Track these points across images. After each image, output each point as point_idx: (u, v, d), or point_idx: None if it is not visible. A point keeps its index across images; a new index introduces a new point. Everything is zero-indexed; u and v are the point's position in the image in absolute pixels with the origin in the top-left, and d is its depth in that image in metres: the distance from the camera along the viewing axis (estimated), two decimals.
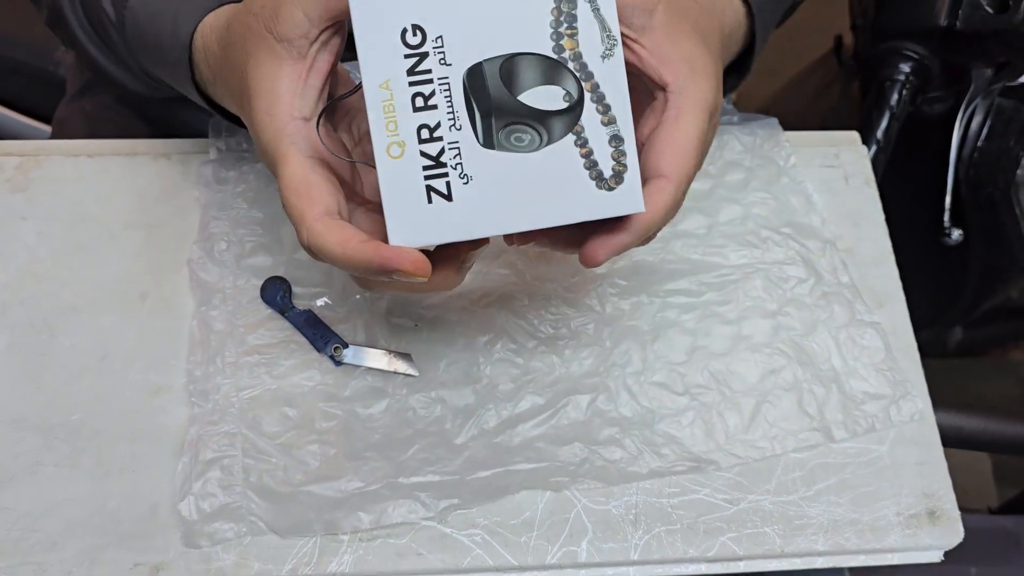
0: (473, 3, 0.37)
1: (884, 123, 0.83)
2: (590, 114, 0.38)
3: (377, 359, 0.55)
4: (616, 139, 0.38)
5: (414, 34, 0.37)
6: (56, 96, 0.96)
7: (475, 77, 0.37)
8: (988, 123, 0.96)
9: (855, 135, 0.67)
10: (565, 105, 0.37)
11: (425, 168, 0.37)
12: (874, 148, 0.83)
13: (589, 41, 0.37)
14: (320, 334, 0.55)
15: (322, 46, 0.40)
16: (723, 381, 0.56)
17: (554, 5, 0.37)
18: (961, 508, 0.54)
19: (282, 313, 0.56)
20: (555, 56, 0.37)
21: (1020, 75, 0.89)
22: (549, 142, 0.38)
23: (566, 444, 0.53)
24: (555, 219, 0.38)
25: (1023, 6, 0.82)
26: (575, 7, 0.37)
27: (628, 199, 0.38)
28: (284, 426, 0.53)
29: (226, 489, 0.50)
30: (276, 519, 0.50)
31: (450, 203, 0.37)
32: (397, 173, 0.37)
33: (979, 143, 0.97)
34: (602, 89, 0.38)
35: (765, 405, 0.56)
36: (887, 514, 0.53)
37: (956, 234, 0.92)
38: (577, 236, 0.42)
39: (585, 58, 0.37)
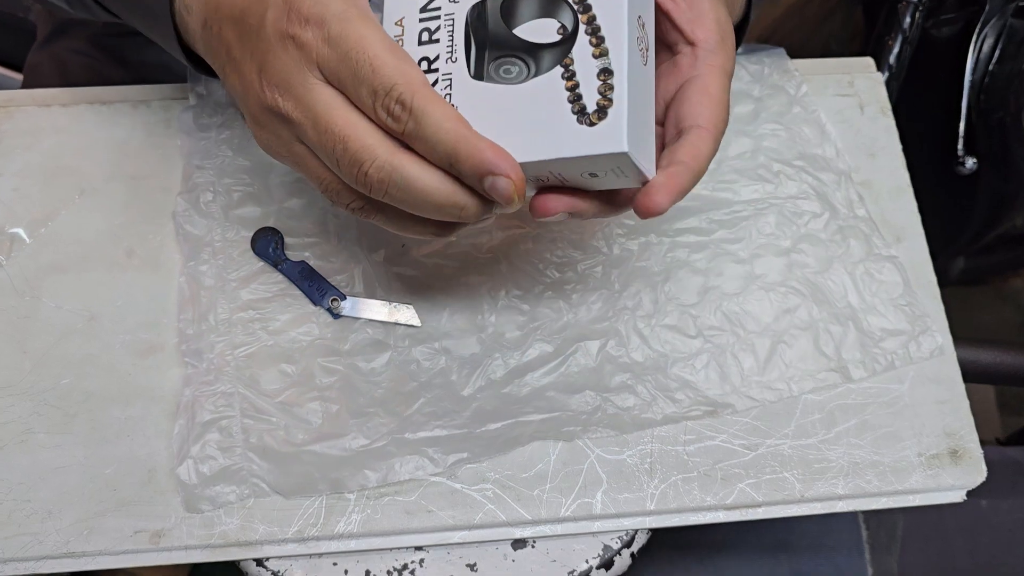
0: None
1: (897, 48, 0.81)
2: (582, 46, 0.36)
3: (377, 310, 0.53)
4: (605, 72, 0.35)
5: None
6: (26, 43, 0.92)
7: (477, 12, 0.37)
8: (1000, 46, 0.93)
9: (869, 61, 0.64)
10: (557, 38, 0.36)
11: None
12: (886, 74, 0.80)
13: None
14: (316, 286, 0.53)
15: None
16: (737, 322, 0.54)
17: None
18: None
19: (275, 265, 0.53)
20: None
21: None
22: (536, 74, 0.36)
23: (577, 392, 0.52)
24: (533, 153, 0.36)
25: None
26: None
27: (610, 137, 0.35)
28: (283, 384, 0.51)
29: (226, 451, 0.49)
30: (279, 480, 0.48)
31: None
32: None
33: (990, 67, 0.94)
34: (599, 21, 0.36)
35: (780, 346, 0.54)
36: (908, 455, 0.52)
37: (970, 163, 0.89)
38: (604, 196, 0.40)
39: None
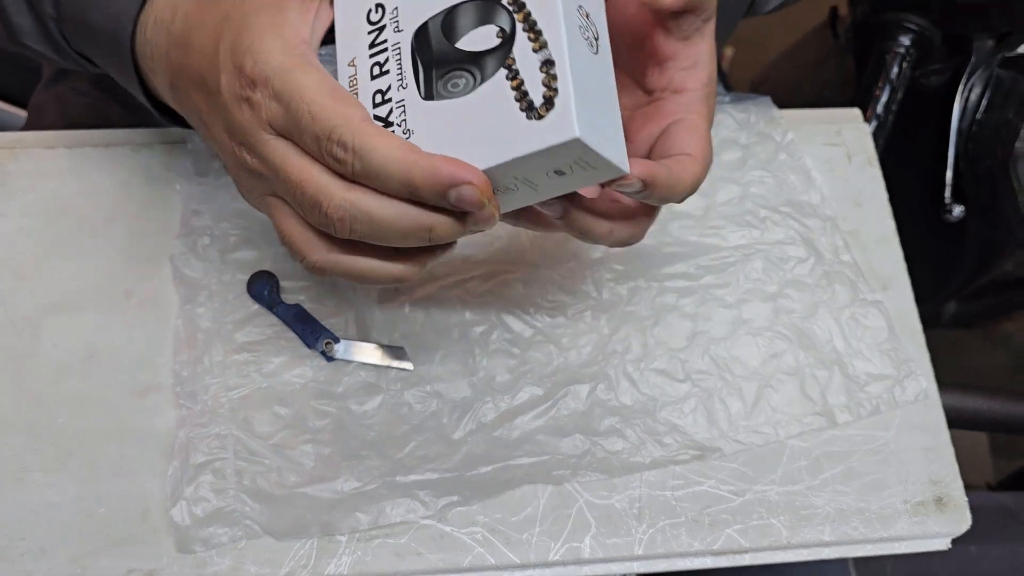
0: None
1: (884, 97, 0.83)
2: (521, 44, 0.35)
3: (369, 354, 0.54)
4: (547, 63, 0.35)
5: (376, 11, 0.38)
6: (31, 80, 0.93)
7: (420, 36, 0.37)
8: (987, 95, 0.95)
9: (857, 112, 0.66)
10: (497, 42, 0.36)
11: None
12: (874, 123, 0.82)
13: None
14: (310, 329, 0.54)
15: (323, 2, 0.39)
16: (724, 366, 0.55)
17: None
18: None
19: (270, 308, 0.54)
20: None
21: (1020, 45, 0.88)
22: (482, 80, 0.36)
23: (566, 436, 0.52)
24: (490, 160, 0.35)
25: None
26: None
27: (560, 126, 0.34)
28: (276, 426, 0.51)
29: (219, 493, 0.49)
30: (272, 522, 0.49)
31: None
32: None
33: (978, 116, 0.96)
34: (534, 16, 0.35)
35: (767, 390, 0.55)
36: (894, 502, 0.52)
37: (958, 210, 0.91)
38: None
39: None
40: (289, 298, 0.55)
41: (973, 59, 0.86)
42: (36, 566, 0.48)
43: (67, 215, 0.57)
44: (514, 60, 0.35)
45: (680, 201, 0.41)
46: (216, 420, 0.51)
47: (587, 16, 0.37)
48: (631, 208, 0.42)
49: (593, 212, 0.41)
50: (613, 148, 0.36)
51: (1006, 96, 0.96)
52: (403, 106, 0.37)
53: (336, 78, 0.38)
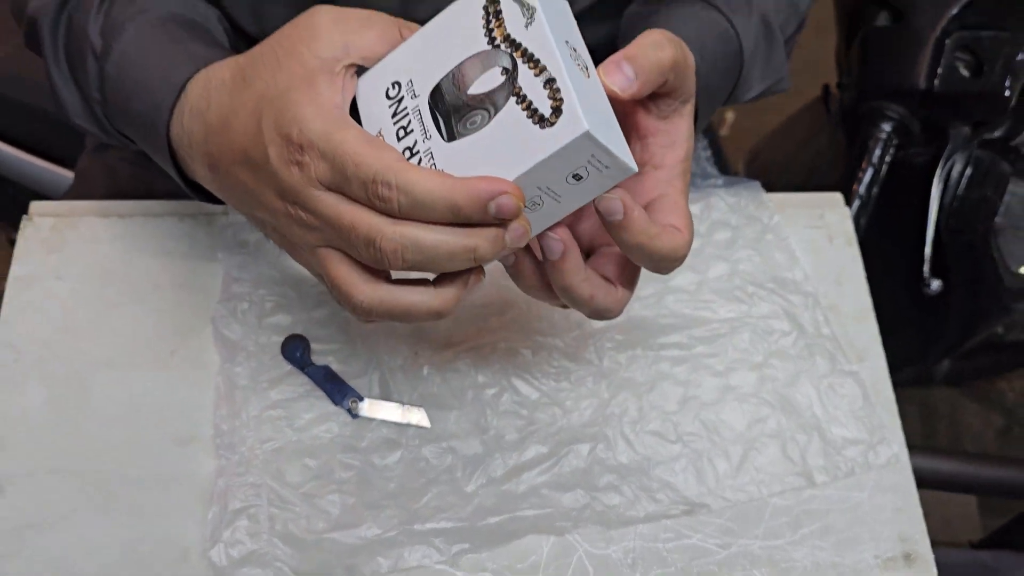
0: (428, 46, 0.43)
1: (867, 179, 0.89)
2: (524, 74, 0.41)
3: (391, 412, 0.59)
4: (549, 82, 0.40)
5: (393, 88, 0.44)
6: (74, 141, 0.99)
7: (435, 95, 0.43)
8: (967, 173, 1.01)
9: (838, 197, 0.72)
10: (502, 79, 0.41)
11: None
12: (857, 203, 0.88)
13: (513, 20, 0.41)
14: (337, 388, 0.60)
15: (347, 74, 0.44)
16: (713, 429, 0.61)
17: (483, 14, 0.42)
18: (943, 542, 0.59)
19: (302, 369, 0.60)
20: (488, 46, 0.42)
21: (993, 132, 0.95)
22: (496, 112, 0.41)
23: (568, 491, 0.57)
24: (515, 171, 0.40)
25: (996, 70, 0.88)
26: (499, 4, 0.42)
27: (570, 124, 0.39)
28: (306, 476, 0.57)
29: (253, 537, 0.54)
30: (301, 565, 0.54)
31: None
32: None
33: (959, 192, 1.02)
34: (531, 50, 0.41)
35: (752, 452, 0.60)
36: (866, 557, 0.57)
37: (935, 284, 0.97)
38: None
39: (513, 35, 0.41)
40: (319, 359, 0.61)
41: (950, 144, 0.92)
42: None
43: (118, 279, 0.63)
44: (520, 88, 0.41)
45: (671, 267, 0.45)
46: (251, 470, 0.56)
47: (575, 50, 0.42)
48: (614, 275, 0.47)
49: (580, 273, 0.45)
50: (619, 147, 0.41)
51: (985, 175, 1.03)
52: (430, 153, 0.42)
53: None
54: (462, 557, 0.55)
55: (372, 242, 0.41)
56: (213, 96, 0.47)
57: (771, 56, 0.64)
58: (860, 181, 0.89)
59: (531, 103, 0.40)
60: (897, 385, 1.77)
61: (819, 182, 1.10)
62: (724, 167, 0.96)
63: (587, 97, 0.40)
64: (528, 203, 0.42)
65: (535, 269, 0.47)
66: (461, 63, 0.42)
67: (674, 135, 0.48)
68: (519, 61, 0.41)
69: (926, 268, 0.94)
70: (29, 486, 0.56)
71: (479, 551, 0.55)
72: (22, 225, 0.65)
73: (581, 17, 0.70)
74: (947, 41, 0.88)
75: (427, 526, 0.56)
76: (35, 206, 0.66)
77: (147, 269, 0.64)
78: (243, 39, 0.68)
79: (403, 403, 0.60)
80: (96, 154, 0.83)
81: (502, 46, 0.41)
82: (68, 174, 1.05)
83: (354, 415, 0.59)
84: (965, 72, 0.87)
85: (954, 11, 0.88)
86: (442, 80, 0.43)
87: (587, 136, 0.39)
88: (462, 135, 0.42)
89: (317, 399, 0.60)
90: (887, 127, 0.90)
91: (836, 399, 0.62)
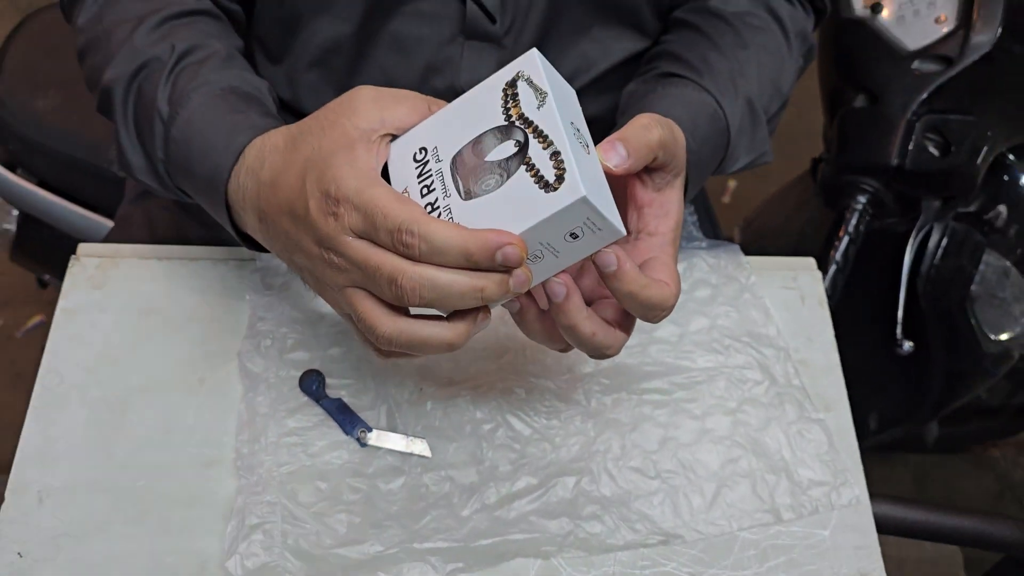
0: (453, 119, 0.51)
1: (843, 246, 0.96)
2: (534, 146, 0.48)
3: (396, 442, 0.65)
4: (555, 154, 0.47)
5: (420, 153, 0.52)
6: (111, 191, 1.07)
7: (456, 160, 0.50)
8: (943, 243, 1.08)
9: (811, 261, 0.79)
10: (515, 150, 0.49)
11: None
12: (833, 268, 0.95)
13: (527, 102, 0.49)
14: (348, 419, 0.66)
15: (382, 143, 0.52)
16: (689, 467, 0.66)
17: (502, 94, 0.50)
18: None
19: (317, 401, 0.66)
20: (505, 123, 0.49)
21: (964, 206, 1.02)
22: (508, 177, 0.48)
23: (555, 518, 0.63)
24: (521, 226, 0.47)
25: (963, 149, 0.95)
26: (517, 88, 0.49)
27: (570, 190, 0.46)
28: (317, 497, 0.63)
29: (267, 550, 0.60)
30: None
31: None
32: None
33: (935, 261, 1.09)
34: (540, 127, 0.48)
35: (724, 489, 0.66)
36: None
37: (907, 345, 1.03)
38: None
39: (527, 113, 0.49)
40: (332, 392, 0.67)
41: (922, 216, 0.99)
42: None
43: (155, 314, 0.70)
44: (530, 158, 0.48)
45: (660, 316, 0.52)
46: (268, 489, 0.62)
47: (578, 130, 0.50)
48: (612, 319, 0.54)
49: (583, 312, 0.52)
50: (611, 212, 0.48)
51: (960, 245, 1.10)
52: (449, 208, 0.49)
53: None
54: (456, 575, 0.60)
55: (395, 280, 0.48)
56: (267, 158, 0.55)
57: (755, 133, 0.71)
58: (837, 248, 0.95)
59: (538, 171, 0.48)
60: (890, 449, 1.81)
61: (808, 248, 1.17)
62: (717, 233, 1.03)
63: (586, 169, 0.48)
64: (530, 255, 0.49)
65: (538, 315, 0.54)
66: (481, 134, 0.50)
67: (667, 206, 0.55)
68: (530, 136, 0.48)
69: (899, 330, 1.00)
70: (67, 498, 0.62)
71: (472, 570, 0.61)
72: (70, 263, 0.72)
73: (584, 91, 0.78)
74: (917, 123, 0.95)
75: (425, 545, 0.61)
76: (82, 247, 0.73)
77: (181, 306, 0.71)
78: (283, 106, 0.76)
79: (407, 434, 0.66)
80: (136, 203, 0.90)
81: (517, 123, 0.49)
82: (104, 221, 1.13)
83: (363, 444, 0.65)
84: (934, 151, 0.95)
85: (924, 96, 0.95)
86: (463, 147, 0.50)
87: (584, 200, 0.46)
88: (477, 195, 0.49)
89: (330, 428, 0.66)
90: (863, 199, 0.97)
91: (803, 444, 0.68)
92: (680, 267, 0.74)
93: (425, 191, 0.51)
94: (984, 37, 0.94)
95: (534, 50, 0.50)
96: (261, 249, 0.60)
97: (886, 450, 1.58)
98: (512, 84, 0.50)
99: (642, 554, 0.63)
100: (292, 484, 0.63)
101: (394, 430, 0.66)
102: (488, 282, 0.48)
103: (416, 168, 0.51)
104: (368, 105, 0.52)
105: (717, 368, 0.71)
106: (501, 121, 0.49)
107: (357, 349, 0.69)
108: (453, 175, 0.50)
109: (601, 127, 0.52)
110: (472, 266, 0.48)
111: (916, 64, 0.97)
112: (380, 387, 0.68)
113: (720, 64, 0.69)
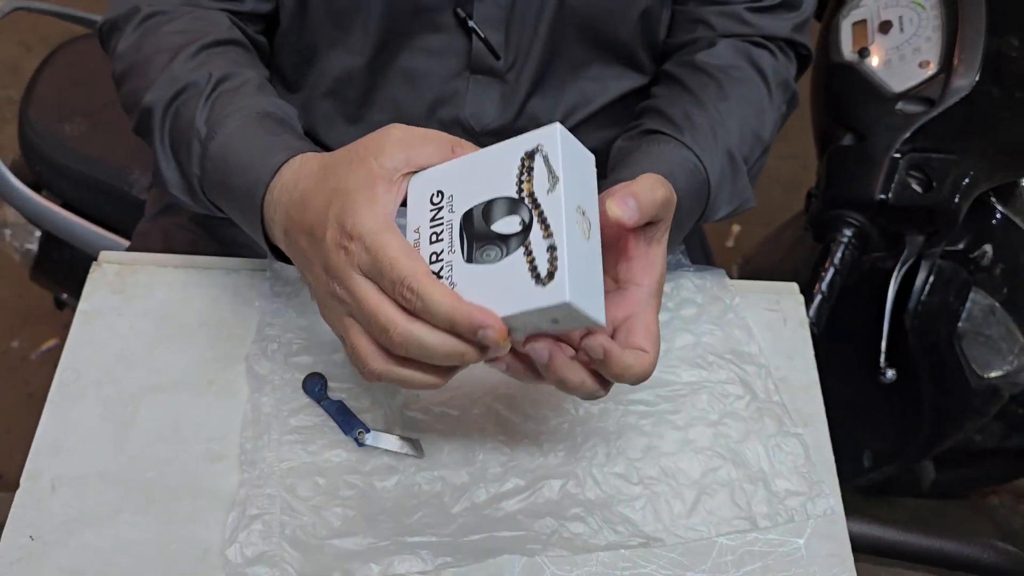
0: (472, 172, 0.55)
1: (828, 277, 0.99)
2: (535, 232, 0.52)
3: (392, 443, 0.69)
4: (552, 248, 0.51)
5: (437, 196, 0.56)
6: (128, 211, 1.13)
7: (467, 218, 0.54)
8: (931, 280, 1.12)
9: (794, 286, 0.83)
10: (519, 229, 0.52)
11: None
12: (819, 297, 0.98)
13: (540, 182, 0.52)
14: (347, 420, 0.69)
15: (403, 181, 0.56)
16: (671, 475, 0.69)
17: (520, 163, 0.53)
18: None
19: (318, 402, 0.70)
20: (516, 196, 0.53)
21: (946, 243, 1.06)
22: (508, 254, 0.52)
23: (541, 518, 0.66)
24: (509, 310, 0.51)
25: (945, 186, 0.99)
26: (534, 161, 0.53)
27: (557, 292, 0.50)
28: (315, 492, 0.66)
29: (265, 539, 0.63)
30: (304, 566, 0.62)
31: None
32: None
33: (923, 297, 1.12)
34: (546, 214, 0.52)
35: (704, 496, 0.68)
36: None
37: (890, 374, 1.06)
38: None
39: (536, 194, 0.52)
40: (334, 395, 0.71)
41: (907, 250, 1.03)
42: None
43: (170, 319, 0.74)
44: (530, 243, 0.52)
45: (637, 383, 0.56)
46: (269, 483, 0.66)
47: (583, 213, 0.53)
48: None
49: (568, 367, 0.55)
50: (595, 308, 0.52)
51: (947, 283, 1.13)
52: (451, 265, 0.53)
53: (405, 235, 0.54)
54: (445, 568, 0.63)
55: (386, 331, 0.52)
56: (301, 180, 0.60)
57: (735, 183, 0.75)
58: (822, 279, 0.99)
59: (534, 260, 0.51)
60: (886, 492, 1.80)
61: (801, 283, 1.21)
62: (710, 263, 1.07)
63: (579, 265, 0.51)
64: (511, 330, 0.53)
65: (526, 368, 0.57)
66: (492, 200, 0.53)
67: (652, 259, 0.59)
68: (535, 220, 0.52)
69: (882, 359, 1.03)
70: (78, 487, 0.65)
71: (459, 565, 0.64)
72: (92, 268, 0.76)
73: (582, 125, 0.83)
74: (901, 160, 0.99)
75: (415, 539, 0.64)
76: (104, 255, 0.77)
77: (194, 312, 0.75)
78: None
79: (403, 436, 0.69)
80: (154, 219, 0.95)
81: (526, 200, 0.52)
82: (123, 242, 1.18)
83: (360, 444, 0.68)
84: (917, 188, 0.99)
85: (907, 135, 0.99)
86: (474, 208, 0.54)
87: (567, 304, 0.50)
88: (477, 261, 0.53)
89: (330, 428, 0.69)
90: (848, 232, 1.01)
91: (781, 456, 0.71)
92: (668, 287, 0.78)
93: (434, 238, 0.54)
94: (964, 81, 0.99)
95: (556, 125, 0.53)
96: (288, 260, 0.64)
97: (883, 493, 1.59)
98: (530, 156, 0.53)
99: (623, 556, 0.66)
100: (291, 479, 0.66)
101: (391, 432, 0.69)
102: (468, 349, 0.52)
103: (431, 212, 0.55)
104: (395, 145, 0.56)
105: (700, 383, 0.74)
106: (512, 193, 0.53)
107: None
108: (461, 233, 0.54)
109: (598, 159, 0.57)
110: (453, 332, 0.51)
111: (900, 105, 1.01)
112: (378, 391, 0.71)
113: (701, 119, 0.73)
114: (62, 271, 1.30)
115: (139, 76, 0.71)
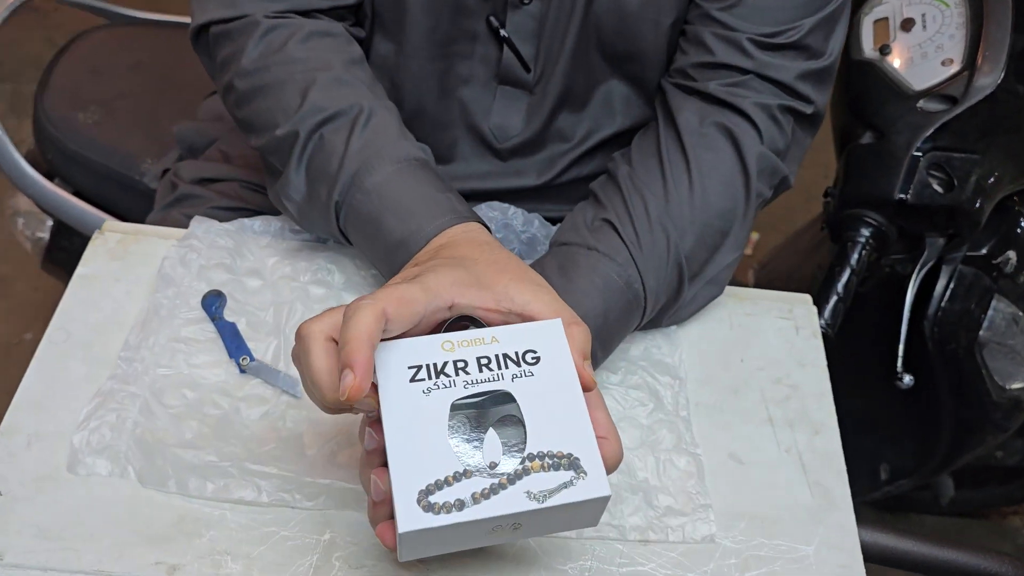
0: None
1: (845, 278, 0.84)
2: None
3: (272, 376, 0.58)
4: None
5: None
6: (139, 201, 0.99)
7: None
8: (951, 286, 0.93)
9: (807, 296, 0.69)
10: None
11: None
12: (834, 298, 0.83)
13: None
14: (236, 344, 0.59)
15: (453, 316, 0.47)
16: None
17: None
18: None
19: (212, 320, 0.60)
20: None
21: (968, 247, 0.86)
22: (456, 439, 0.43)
23: None
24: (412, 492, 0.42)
25: (967, 187, 0.80)
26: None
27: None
28: (180, 402, 0.56)
29: (115, 433, 0.54)
30: (143, 467, 0.52)
31: None
32: None
33: (943, 303, 0.93)
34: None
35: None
36: None
37: (907, 379, 0.90)
38: None
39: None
40: (231, 317, 0.60)
41: (926, 252, 0.86)
42: (84, 546, 0.50)
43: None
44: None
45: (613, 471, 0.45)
46: (137, 383, 0.56)
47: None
48: None
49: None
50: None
51: (968, 289, 0.93)
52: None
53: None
54: (280, 507, 0.51)
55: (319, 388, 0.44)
56: (460, 244, 0.53)
57: (679, 297, 0.61)
58: (838, 280, 0.84)
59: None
60: (905, 508, 1.56)
61: (817, 288, 1.02)
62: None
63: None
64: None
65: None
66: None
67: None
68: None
69: (899, 364, 0.89)
70: (54, 444, 0.54)
71: (295, 506, 0.52)
72: (94, 236, 0.66)
73: (595, 151, 0.72)
74: (921, 159, 0.82)
75: (258, 468, 0.53)
76: (108, 224, 0.67)
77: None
78: None
79: (288, 375, 0.57)
80: (165, 210, 0.83)
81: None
82: None
83: (242, 370, 0.58)
84: (938, 188, 0.82)
85: (928, 133, 0.82)
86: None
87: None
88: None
89: (219, 348, 0.59)
90: (866, 232, 0.85)
91: (672, 472, 0.56)
92: None
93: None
94: (989, 79, 0.80)
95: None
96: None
97: (902, 509, 1.39)
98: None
99: (620, 552, 0.53)
100: (162, 384, 0.57)
101: (275, 367, 0.58)
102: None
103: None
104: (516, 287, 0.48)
105: (605, 383, 0.60)
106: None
107: (279, 297, 0.63)
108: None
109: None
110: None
111: (922, 103, 0.83)
112: (276, 323, 0.60)
113: (652, 236, 0.59)
114: (73, 260, 1.21)
115: (273, 98, 0.61)
